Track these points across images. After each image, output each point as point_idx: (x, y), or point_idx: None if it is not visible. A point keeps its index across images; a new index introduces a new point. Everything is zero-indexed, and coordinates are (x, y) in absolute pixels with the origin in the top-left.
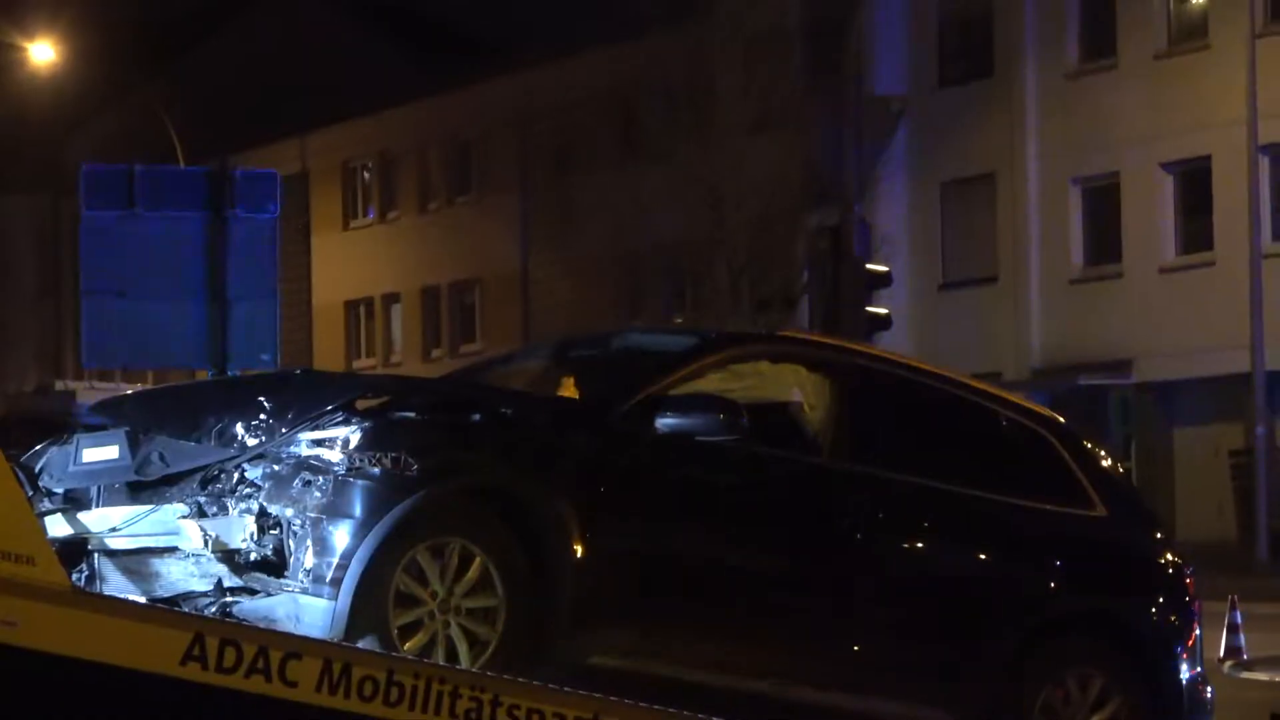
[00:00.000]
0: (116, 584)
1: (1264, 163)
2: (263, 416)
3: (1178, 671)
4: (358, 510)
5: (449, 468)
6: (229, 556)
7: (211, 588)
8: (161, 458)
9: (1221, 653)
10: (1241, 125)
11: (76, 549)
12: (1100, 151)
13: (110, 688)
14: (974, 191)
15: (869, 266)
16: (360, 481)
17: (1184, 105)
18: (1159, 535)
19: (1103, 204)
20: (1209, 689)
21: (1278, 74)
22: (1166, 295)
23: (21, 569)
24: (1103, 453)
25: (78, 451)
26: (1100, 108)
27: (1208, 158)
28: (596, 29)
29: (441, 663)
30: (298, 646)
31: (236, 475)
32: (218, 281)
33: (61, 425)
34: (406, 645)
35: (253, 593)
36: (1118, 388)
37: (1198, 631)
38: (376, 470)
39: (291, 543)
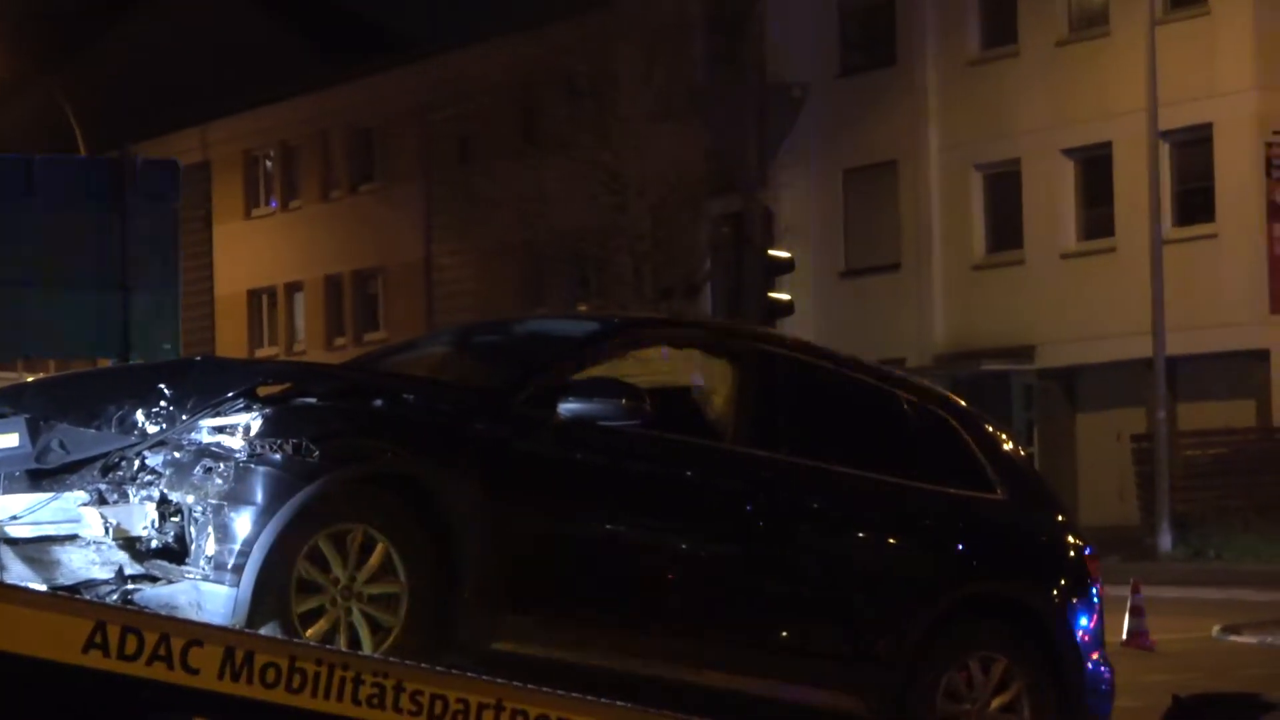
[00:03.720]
0: (17, 572)
1: (1164, 149)
2: (164, 404)
3: (1080, 654)
4: (259, 497)
5: (351, 454)
6: (130, 544)
7: (113, 575)
8: (62, 445)
9: (1124, 636)
10: (1142, 112)
11: None
12: (1001, 139)
13: (11, 676)
14: (876, 179)
15: (771, 253)
16: (262, 468)
17: (1085, 92)
18: (1061, 518)
19: (1004, 191)
20: (1110, 671)
21: (1178, 61)
22: (1068, 281)
23: None
24: (1004, 436)
25: None
26: (1001, 95)
27: (1108, 144)
28: (498, 18)
29: (344, 649)
30: (199, 634)
31: (137, 462)
32: (119, 271)
33: None
34: (309, 632)
35: (154, 580)
36: (1020, 373)
37: (1100, 614)
38: (278, 457)
39: (193, 530)
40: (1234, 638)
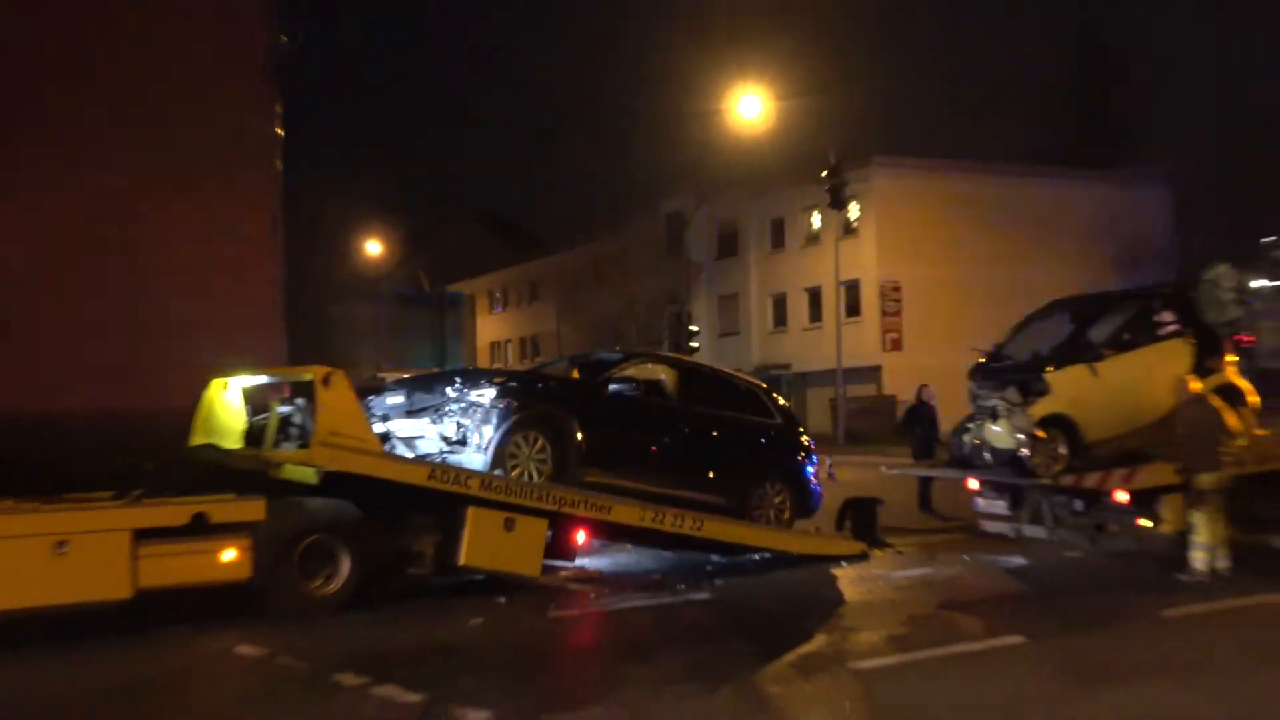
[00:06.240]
0: (401, 450)
1: (842, 290)
2: (457, 384)
3: (809, 482)
4: (495, 421)
5: (528, 404)
6: (446, 439)
7: (438, 451)
8: (419, 401)
9: (826, 474)
10: (832, 273)
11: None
12: (781, 283)
13: (399, 489)
14: (731, 299)
15: (691, 328)
16: (494, 410)
17: (814, 266)
18: (801, 430)
19: (780, 304)
20: (820, 489)
21: (846, 254)
22: (806, 340)
23: (369, 446)
24: (779, 398)
25: (384, 398)
26: (782, 266)
27: (819, 286)
28: (588, 228)
29: (527, 481)
30: (470, 474)
31: (447, 408)
32: (440, 333)
33: (379, 389)
34: (513, 473)
35: (454, 453)
36: (787, 375)
37: (814, 466)
38: (501, 405)
39: (469, 435)
40: (890, 471)
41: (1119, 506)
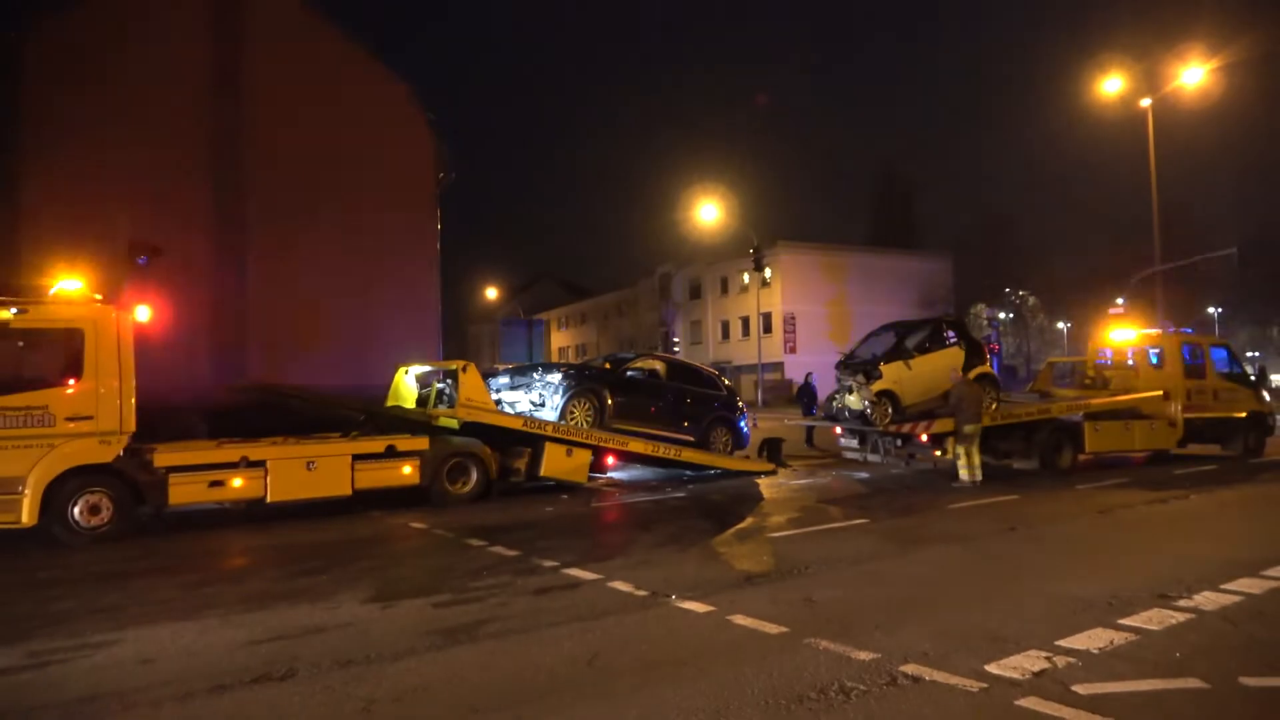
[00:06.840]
0: (507, 409)
1: (761, 318)
2: (539, 371)
3: (742, 430)
4: (561, 392)
5: (580, 383)
6: (533, 403)
7: (528, 410)
8: (516, 380)
9: (752, 424)
10: (755, 309)
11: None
12: (725, 315)
13: (505, 431)
14: (697, 323)
15: (674, 339)
16: (562, 385)
17: (742, 305)
18: (739, 398)
19: (726, 327)
20: (749, 431)
21: (765, 297)
22: (741, 347)
23: (488, 407)
24: (725, 379)
25: (497, 379)
26: (725, 306)
27: (748, 316)
28: (614, 282)
29: (580, 425)
30: (548, 422)
31: (533, 385)
32: (529, 345)
33: (494, 374)
34: (571, 423)
35: (537, 412)
36: (730, 367)
37: (745, 420)
38: (565, 383)
39: (546, 400)
40: (789, 422)
41: (921, 444)
